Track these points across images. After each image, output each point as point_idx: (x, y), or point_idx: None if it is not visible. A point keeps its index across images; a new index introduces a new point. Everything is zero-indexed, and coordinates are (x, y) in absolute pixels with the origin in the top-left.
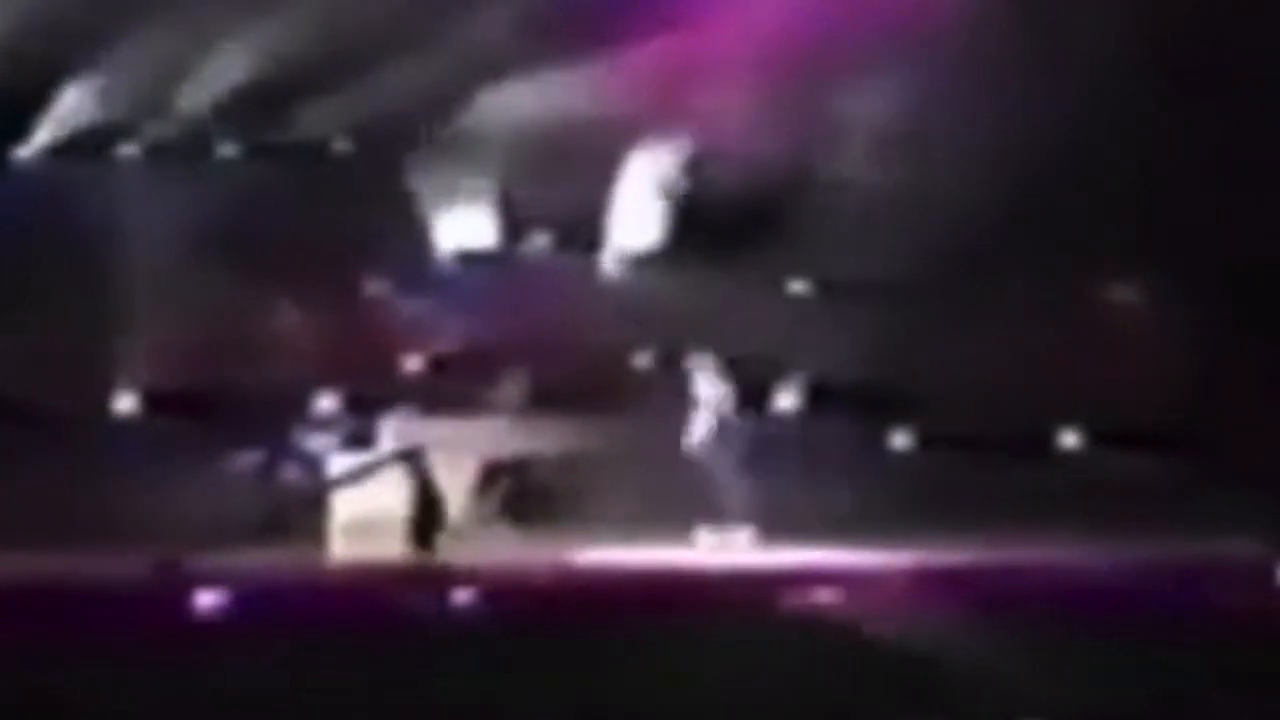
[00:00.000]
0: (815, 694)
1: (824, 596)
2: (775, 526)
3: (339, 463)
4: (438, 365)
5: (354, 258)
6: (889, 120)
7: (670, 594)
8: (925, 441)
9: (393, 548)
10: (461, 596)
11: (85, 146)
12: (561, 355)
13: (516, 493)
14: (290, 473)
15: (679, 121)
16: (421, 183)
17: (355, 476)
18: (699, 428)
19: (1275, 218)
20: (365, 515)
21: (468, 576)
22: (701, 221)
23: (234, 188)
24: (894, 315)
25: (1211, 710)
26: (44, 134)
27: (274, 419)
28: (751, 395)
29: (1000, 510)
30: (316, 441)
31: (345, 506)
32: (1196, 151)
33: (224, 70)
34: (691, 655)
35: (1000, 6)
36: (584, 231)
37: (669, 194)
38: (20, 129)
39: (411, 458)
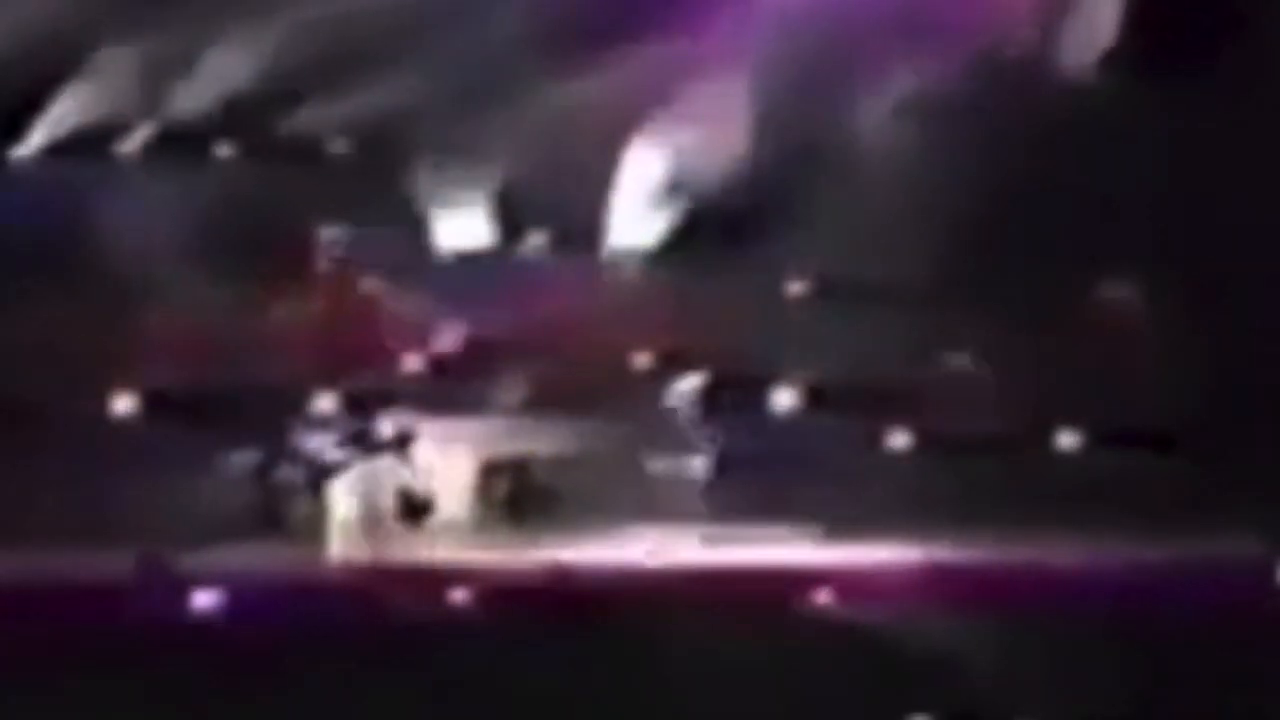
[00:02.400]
0: (815, 693)
1: (823, 596)
2: (774, 526)
3: (331, 454)
4: (437, 365)
5: (352, 257)
6: (888, 120)
7: (669, 593)
8: (924, 441)
9: (387, 542)
10: (461, 596)
11: (84, 146)
12: (560, 355)
13: (515, 492)
14: (287, 472)
15: (679, 121)
16: (420, 182)
17: (344, 465)
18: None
19: (1275, 217)
20: (360, 511)
21: (468, 576)
22: (701, 221)
23: (233, 188)
24: (894, 315)
25: (1211, 710)
26: (43, 134)
27: (273, 419)
28: (751, 395)
29: (1000, 510)
30: (315, 441)
31: (342, 503)
32: (1196, 150)
33: (223, 70)
34: (690, 654)
35: (1000, 7)
36: (583, 231)
37: (669, 193)
38: (19, 129)
39: (401, 444)
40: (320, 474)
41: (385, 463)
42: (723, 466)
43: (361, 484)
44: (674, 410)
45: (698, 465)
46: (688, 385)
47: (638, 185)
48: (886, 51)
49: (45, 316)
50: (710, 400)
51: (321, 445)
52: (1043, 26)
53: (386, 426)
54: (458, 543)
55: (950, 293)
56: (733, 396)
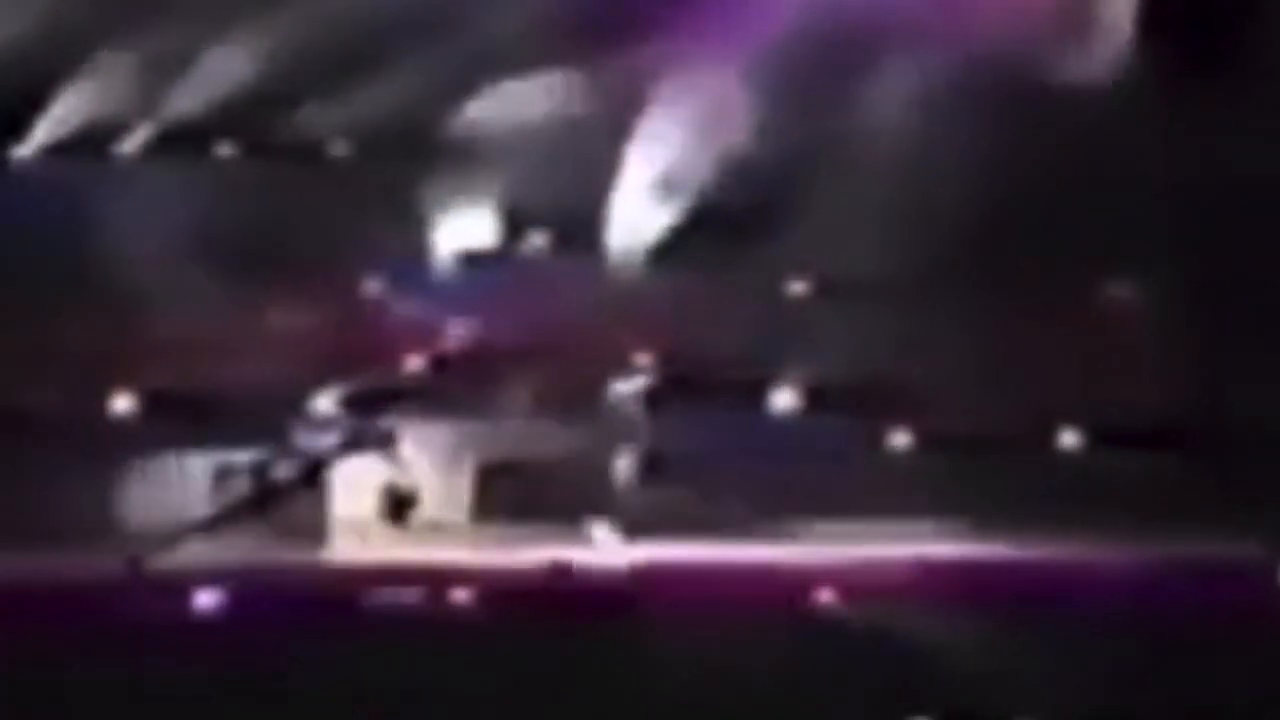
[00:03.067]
0: (816, 692)
1: (823, 595)
2: (774, 526)
3: (320, 452)
4: (437, 365)
5: (353, 258)
6: (889, 120)
7: (667, 593)
8: (924, 441)
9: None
10: (461, 596)
11: (85, 146)
12: (561, 355)
13: (514, 493)
14: (284, 470)
15: (680, 121)
16: (420, 183)
17: (331, 462)
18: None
19: (1274, 217)
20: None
21: (468, 576)
22: (701, 221)
23: (233, 188)
24: (894, 315)
25: (1212, 710)
26: (43, 134)
27: (272, 419)
28: (751, 395)
29: (1000, 510)
30: (314, 441)
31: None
32: (1200, 152)
33: (224, 70)
34: (691, 652)
35: (999, 7)
36: (584, 231)
37: (668, 194)
38: (20, 129)
39: (384, 442)
40: (309, 471)
41: (369, 460)
42: (656, 465)
43: (346, 481)
44: (617, 409)
45: (633, 464)
46: (629, 386)
47: (638, 185)
48: (889, 51)
49: (45, 316)
50: (655, 399)
51: (313, 443)
52: (1053, 28)
53: (372, 425)
54: (453, 542)
55: (951, 293)
56: (680, 395)
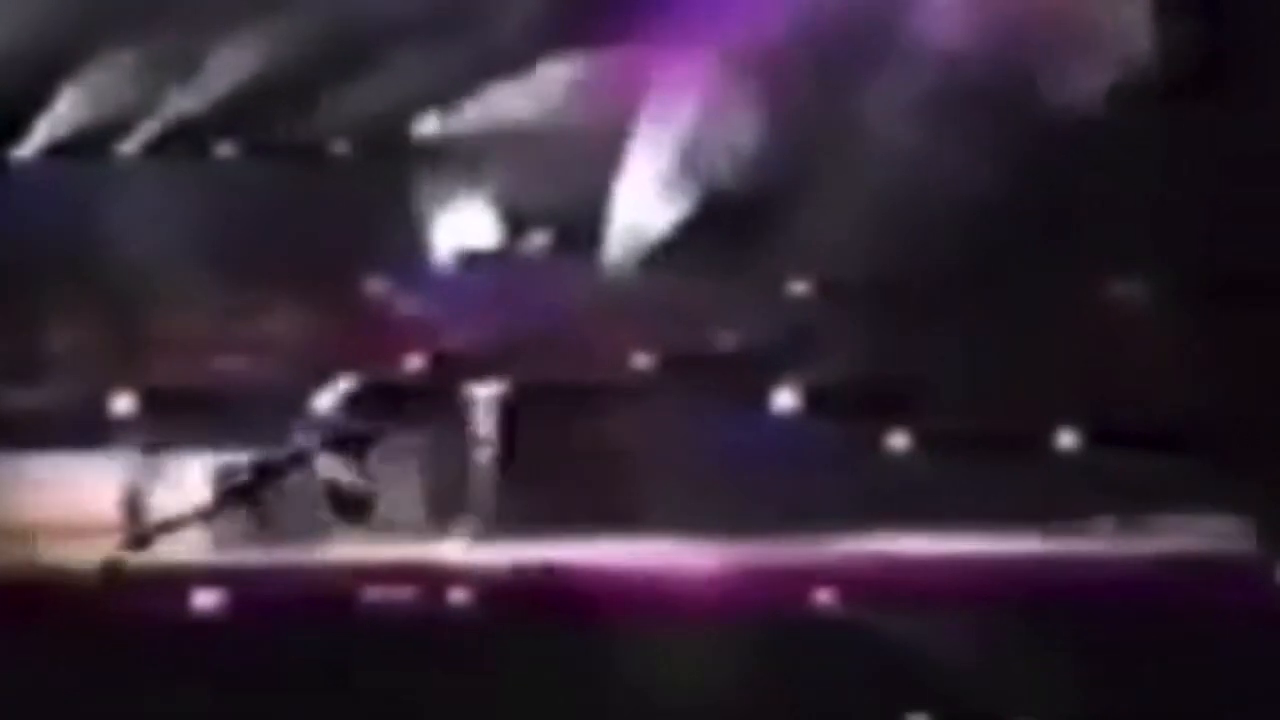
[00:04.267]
0: (814, 692)
1: (821, 596)
2: (773, 526)
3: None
4: (437, 365)
5: (353, 258)
6: (890, 120)
7: (664, 593)
8: (924, 441)
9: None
10: (460, 596)
11: (85, 146)
12: (560, 355)
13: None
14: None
15: (679, 121)
16: (421, 183)
17: (306, 462)
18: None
19: (1275, 217)
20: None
21: (467, 576)
22: (702, 221)
23: (233, 188)
24: (894, 315)
25: (1212, 710)
26: (43, 134)
27: (272, 419)
28: (751, 395)
29: (998, 510)
30: (309, 440)
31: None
32: (1201, 150)
33: (225, 70)
34: (688, 654)
35: (1003, 8)
36: (584, 231)
37: (669, 193)
38: (19, 129)
39: (358, 440)
40: (290, 468)
41: (327, 460)
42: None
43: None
44: (475, 415)
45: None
46: (485, 391)
47: (638, 185)
48: (891, 51)
49: (45, 316)
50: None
51: (308, 442)
52: (1062, 29)
53: (353, 424)
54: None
55: (950, 293)
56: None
